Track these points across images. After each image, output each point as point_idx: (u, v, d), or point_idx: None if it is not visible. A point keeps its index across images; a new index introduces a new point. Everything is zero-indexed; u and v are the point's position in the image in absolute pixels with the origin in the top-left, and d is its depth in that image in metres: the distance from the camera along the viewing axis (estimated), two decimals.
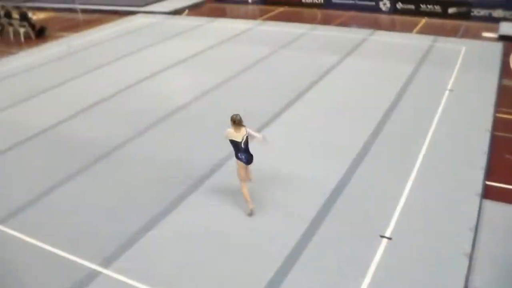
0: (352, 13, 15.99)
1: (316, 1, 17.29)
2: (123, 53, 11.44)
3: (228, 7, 18.31)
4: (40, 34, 14.20)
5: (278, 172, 6.18)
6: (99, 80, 9.80)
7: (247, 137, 5.26)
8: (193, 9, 17.46)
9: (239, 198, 5.63)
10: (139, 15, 16.35)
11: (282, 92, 8.62)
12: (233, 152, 5.39)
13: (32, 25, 14.36)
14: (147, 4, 18.01)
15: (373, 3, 16.33)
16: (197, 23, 14.51)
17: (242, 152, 5.30)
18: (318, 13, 16.31)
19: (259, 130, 7.03)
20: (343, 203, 5.55)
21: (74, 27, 15.31)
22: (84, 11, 17.88)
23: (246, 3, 18.43)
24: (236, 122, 5.19)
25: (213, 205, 5.65)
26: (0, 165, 6.76)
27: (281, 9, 17.08)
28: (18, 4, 18.31)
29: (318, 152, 6.62)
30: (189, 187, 5.97)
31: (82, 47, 12.36)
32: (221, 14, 16.49)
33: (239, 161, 5.36)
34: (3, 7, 15.72)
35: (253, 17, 16.02)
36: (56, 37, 13.84)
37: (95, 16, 17.09)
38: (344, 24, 14.38)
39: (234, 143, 5.28)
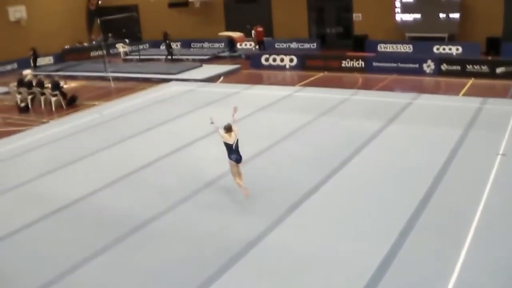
0: (394, 76, 16.76)
1: (357, 65, 18.37)
2: (155, 122, 12.32)
3: (265, 73, 19.67)
4: (71, 103, 15.58)
5: (318, 249, 6.23)
6: (130, 151, 10.41)
7: (237, 140, 7.39)
8: (228, 76, 18.86)
9: (277, 277, 5.70)
10: (172, 83, 17.79)
11: (324, 161, 8.91)
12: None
13: (63, 94, 15.78)
14: (180, 72, 19.68)
15: (416, 65, 17.15)
16: (233, 90, 15.59)
17: (234, 153, 7.40)
18: (359, 77, 17.21)
19: (300, 201, 7.38)
20: (387, 284, 5.47)
21: (106, 95, 16.79)
22: (115, 79, 19.66)
23: (284, 68, 19.81)
24: (227, 128, 7.44)
25: (250, 285, 5.65)
26: (25, 239, 6.90)
27: (320, 74, 18.16)
28: (50, 73, 20.59)
29: (361, 225, 6.68)
30: (225, 264, 6.02)
31: (114, 116, 13.43)
32: (258, 80, 17.74)
33: (231, 161, 7.44)
34: (35, 76, 17.73)
35: (292, 83, 17.10)
36: (87, 106, 15.15)
37: (127, 84, 18.75)
38: (387, 88, 15.06)
39: (227, 146, 7.40)
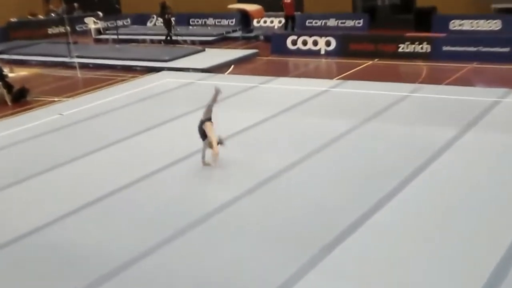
0: (474, 66, 16.65)
1: (420, 49, 18.30)
2: (135, 129, 12.28)
3: (291, 61, 19.76)
4: (19, 98, 15.53)
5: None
6: (106, 165, 10.36)
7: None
8: (241, 65, 19.02)
9: None
10: (163, 74, 17.97)
11: (374, 181, 8.81)
12: None
13: (8, 86, 15.73)
14: (174, 58, 19.83)
15: (507, 49, 16.93)
16: (246, 84, 15.67)
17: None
18: (423, 66, 17.20)
19: (342, 237, 7.32)
20: None
21: (70, 89, 16.90)
22: (84, 66, 19.91)
23: (318, 54, 19.85)
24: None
25: None
26: None
27: (368, 62, 18.16)
28: None
29: (431, 276, 6.49)
30: None
31: (79, 119, 13.46)
32: (282, 71, 17.83)
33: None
34: None
35: (328, 74, 17.13)
36: (42, 103, 15.25)
37: (100, 74, 18.91)
38: (463, 81, 14.89)
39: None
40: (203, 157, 9.92)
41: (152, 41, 24.98)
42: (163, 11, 23.93)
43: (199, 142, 10.04)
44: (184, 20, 26.86)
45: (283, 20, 24.47)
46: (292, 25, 23.33)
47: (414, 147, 10.25)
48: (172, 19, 23.64)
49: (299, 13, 24.61)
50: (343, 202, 8.26)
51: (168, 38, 23.61)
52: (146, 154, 10.74)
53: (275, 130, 11.76)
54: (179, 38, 23.61)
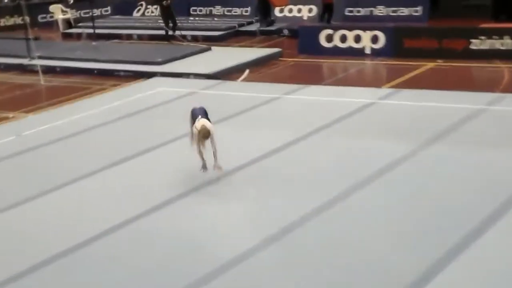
0: None
1: (500, 45, 18.32)
2: (125, 153, 12.40)
3: (326, 63, 19.94)
4: None
5: None
6: (77, 203, 10.43)
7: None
8: (259, 69, 19.25)
9: None
10: (155, 81, 18.18)
11: (442, 223, 8.90)
12: None
13: None
14: (170, 60, 20.08)
15: None
16: (266, 95, 15.77)
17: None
18: (505, 69, 17.20)
19: None
20: None
21: (30, 101, 17.12)
22: (50, 70, 20.18)
23: (361, 54, 19.98)
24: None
25: None
26: None
27: (428, 64, 18.26)
28: None
29: None
30: None
31: (44, 141, 13.57)
32: (313, 77, 17.98)
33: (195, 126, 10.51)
34: None
35: (376, 81, 17.24)
36: None
37: (71, 81, 19.16)
38: None
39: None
40: (204, 166, 10.68)
41: (140, 37, 25.32)
42: None
43: (193, 180, 10.18)
44: (183, 8, 27.20)
45: (315, 8, 24.73)
46: (329, 15, 23.51)
47: (494, 180, 10.20)
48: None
49: None
50: (409, 256, 8.30)
51: (171, 32, 23.90)
52: (126, 193, 10.81)
53: (306, 156, 11.77)
54: (177, 33, 23.86)
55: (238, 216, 9.72)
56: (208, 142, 10.52)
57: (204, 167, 10.72)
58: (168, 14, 23.88)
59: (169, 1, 23.72)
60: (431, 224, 9.06)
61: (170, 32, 23.88)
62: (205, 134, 10.40)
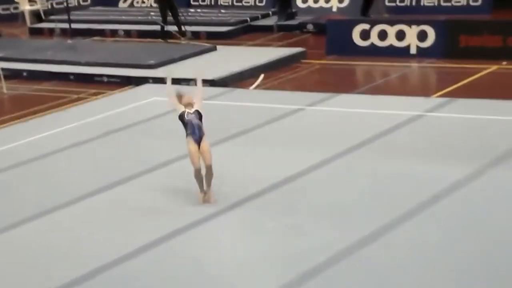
0: None
1: None
2: (100, 182, 12.42)
3: (361, 66, 20.08)
4: None
5: None
6: (58, 234, 10.63)
7: (201, 116, 11.20)
8: (276, 74, 19.30)
9: None
10: (146, 89, 18.28)
11: (509, 264, 9.00)
12: None
13: None
14: (166, 62, 20.16)
15: None
16: (286, 105, 15.86)
17: (195, 129, 11.08)
18: None
19: None
20: None
21: None
22: (14, 75, 20.30)
23: (405, 55, 20.02)
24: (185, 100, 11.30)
25: None
26: None
27: (490, 67, 18.31)
28: None
29: None
30: None
31: (4, 164, 13.70)
32: (344, 83, 18.14)
33: (190, 140, 11.04)
34: None
35: (423, 88, 17.34)
36: None
37: (42, 88, 19.33)
38: None
39: (185, 123, 11.19)
40: (202, 188, 11.19)
41: (127, 34, 25.45)
42: None
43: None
44: None
45: None
46: (367, 5, 23.66)
47: None
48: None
49: None
50: None
51: (173, 28, 23.99)
52: (115, 225, 10.92)
53: (336, 181, 11.80)
54: (186, 32, 23.97)
55: (252, 254, 9.74)
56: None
57: (201, 197, 11.22)
58: (167, 5, 23.90)
59: None
60: (493, 265, 9.08)
61: (170, 29, 23.92)
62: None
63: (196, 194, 11.15)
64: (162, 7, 24.01)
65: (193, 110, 11.18)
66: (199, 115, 11.17)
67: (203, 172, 11.02)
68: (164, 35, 23.84)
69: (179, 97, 11.36)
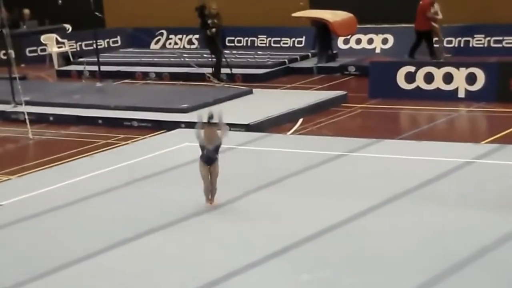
0: None
1: None
2: (134, 230, 12.48)
3: (406, 110, 20.05)
4: None
5: None
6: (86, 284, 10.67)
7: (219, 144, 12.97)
8: (316, 118, 19.40)
9: None
10: (178, 134, 18.38)
11: None
12: None
13: None
14: (196, 107, 19.83)
15: None
16: (326, 152, 15.88)
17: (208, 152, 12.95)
18: None
19: None
20: None
21: (16, 160, 17.42)
22: (41, 119, 20.50)
23: (453, 98, 19.98)
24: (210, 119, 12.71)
25: None
26: None
27: None
28: None
29: None
30: None
31: (32, 211, 13.69)
32: (388, 128, 18.27)
33: (201, 162, 13.05)
34: None
35: (473, 135, 17.40)
36: None
37: (70, 133, 19.49)
38: None
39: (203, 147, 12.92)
40: (208, 198, 13.11)
41: (159, 76, 25.68)
42: (204, 20, 24.26)
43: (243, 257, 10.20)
44: None
45: (392, 38, 24.89)
46: (430, 47, 23.69)
47: None
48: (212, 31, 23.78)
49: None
50: None
51: (218, 70, 24.15)
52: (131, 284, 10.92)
53: (380, 232, 11.75)
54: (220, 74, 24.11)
55: None
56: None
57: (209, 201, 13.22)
58: (211, 47, 24.16)
59: (214, 30, 24.01)
60: None
61: (206, 72, 24.10)
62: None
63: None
64: (207, 44, 24.31)
65: (212, 147, 12.86)
66: (216, 150, 13.00)
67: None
68: (218, 75, 24.06)
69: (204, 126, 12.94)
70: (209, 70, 24.23)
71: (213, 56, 24.31)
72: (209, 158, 12.97)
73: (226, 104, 20.47)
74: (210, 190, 13.16)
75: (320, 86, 22.68)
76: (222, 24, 24.43)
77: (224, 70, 24.34)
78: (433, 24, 23.53)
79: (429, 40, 23.60)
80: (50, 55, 28.25)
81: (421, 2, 23.71)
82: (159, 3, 29.65)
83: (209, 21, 23.99)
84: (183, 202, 13.58)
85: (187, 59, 25.30)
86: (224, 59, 24.30)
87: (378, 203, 12.82)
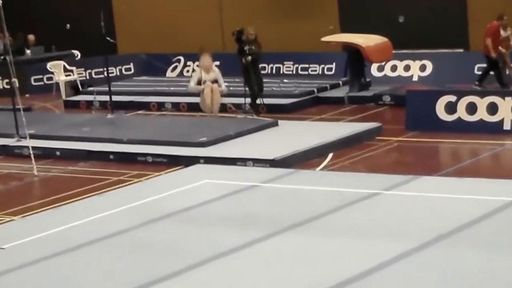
0: None
1: None
2: (154, 272, 12.52)
3: (446, 144, 20.08)
4: None
5: None
6: None
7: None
8: (347, 153, 19.47)
9: None
10: (197, 170, 18.41)
11: None
12: None
13: None
14: (216, 141, 20.29)
15: None
16: (359, 190, 15.86)
17: None
18: None
19: None
20: None
21: (19, 199, 17.49)
22: (47, 154, 20.63)
23: (498, 131, 20.04)
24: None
25: None
26: None
27: None
28: None
29: None
30: None
31: (38, 256, 13.69)
32: (426, 164, 18.33)
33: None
34: None
35: None
36: None
37: (79, 169, 19.66)
38: None
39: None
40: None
41: (175, 107, 25.77)
42: (241, 47, 24.08)
43: None
44: (238, 64, 27.50)
45: (430, 65, 24.89)
46: (499, 75, 23.70)
47: None
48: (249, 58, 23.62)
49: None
50: None
51: (254, 101, 24.06)
52: None
53: (420, 278, 11.67)
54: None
55: None
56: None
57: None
58: (245, 75, 24.08)
59: (249, 58, 23.78)
60: None
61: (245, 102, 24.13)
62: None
63: None
64: (244, 72, 24.22)
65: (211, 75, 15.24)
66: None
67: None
68: (255, 108, 24.05)
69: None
70: (230, 100, 24.22)
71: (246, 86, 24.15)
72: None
73: (249, 137, 20.53)
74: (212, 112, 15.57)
75: (351, 118, 22.70)
76: (259, 51, 24.35)
77: (249, 100, 24.32)
78: (501, 49, 23.60)
79: (495, 67, 23.56)
80: (57, 84, 28.40)
81: (488, 26, 23.66)
82: (176, 27, 29.84)
83: (246, 48, 23.93)
84: (202, 245, 13.60)
85: None
86: (255, 90, 24.07)
87: (416, 247, 12.75)
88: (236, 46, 24.04)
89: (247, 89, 23.98)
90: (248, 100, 24.07)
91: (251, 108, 24.06)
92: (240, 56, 24.00)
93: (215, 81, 14.49)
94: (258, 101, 24.12)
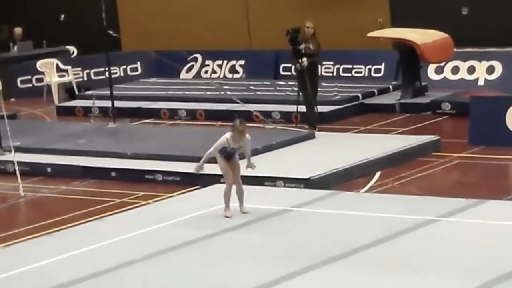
0: None
1: None
2: None
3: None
4: None
5: None
6: None
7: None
8: (398, 171, 19.61)
9: None
10: (215, 190, 18.41)
11: None
12: None
13: None
14: (241, 157, 20.27)
15: None
16: (414, 215, 15.97)
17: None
18: None
19: None
20: None
21: (2, 225, 17.62)
22: (36, 171, 20.75)
23: None
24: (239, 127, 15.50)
25: None
26: None
27: None
28: None
29: None
30: None
31: None
32: (495, 185, 18.49)
33: (220, 159, 15.79)
34: None
35: None
36: None
37: (74, 189, 19.86)
38: None
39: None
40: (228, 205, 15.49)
41: (191, 115, 25.87)
42: (295, 49, 24.13)
43: None
44: (267, 67, 27.70)
45: (500, 66, 24.91)
46: None
47: None
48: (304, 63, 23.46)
49: None
50: None
51: (309, 112, 24.00)
52: None
53: None
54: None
55: None
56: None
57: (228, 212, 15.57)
58: (299, 81, 24.10)
59: (305, 63, 23.67)
60: None
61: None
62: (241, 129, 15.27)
63: None
64: (298, 78, 24.25)
65: (236, 146, 15.45)
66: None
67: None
68: (313, 120, 24.00)
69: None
70: (256, 107, 24.28)
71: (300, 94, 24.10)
72: (229, 154, 15.73)
73: (279, 152, 20.59)
74: (237, 192, 15.96)
75: (404, 129, 22.76)
76: (318, 51, 24.25)
77: (279, 108, 24.41)
78: None
79: None
80: (48, 86, 28.58)
81: None
82: (192, 19, 29.95)
83: (302, 46, 23.91)
84: (223, 283, 13.70)
85: (228, 93, 25.35)
86: (312, 101, 24.00)
87: (482, 284, 12.79)
88: (289, 46, 24.18)
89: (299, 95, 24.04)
90: (302, 108, 24.08)
91: (305, 120, 24.11)
92: (295, 58, 24.02)
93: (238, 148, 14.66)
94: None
